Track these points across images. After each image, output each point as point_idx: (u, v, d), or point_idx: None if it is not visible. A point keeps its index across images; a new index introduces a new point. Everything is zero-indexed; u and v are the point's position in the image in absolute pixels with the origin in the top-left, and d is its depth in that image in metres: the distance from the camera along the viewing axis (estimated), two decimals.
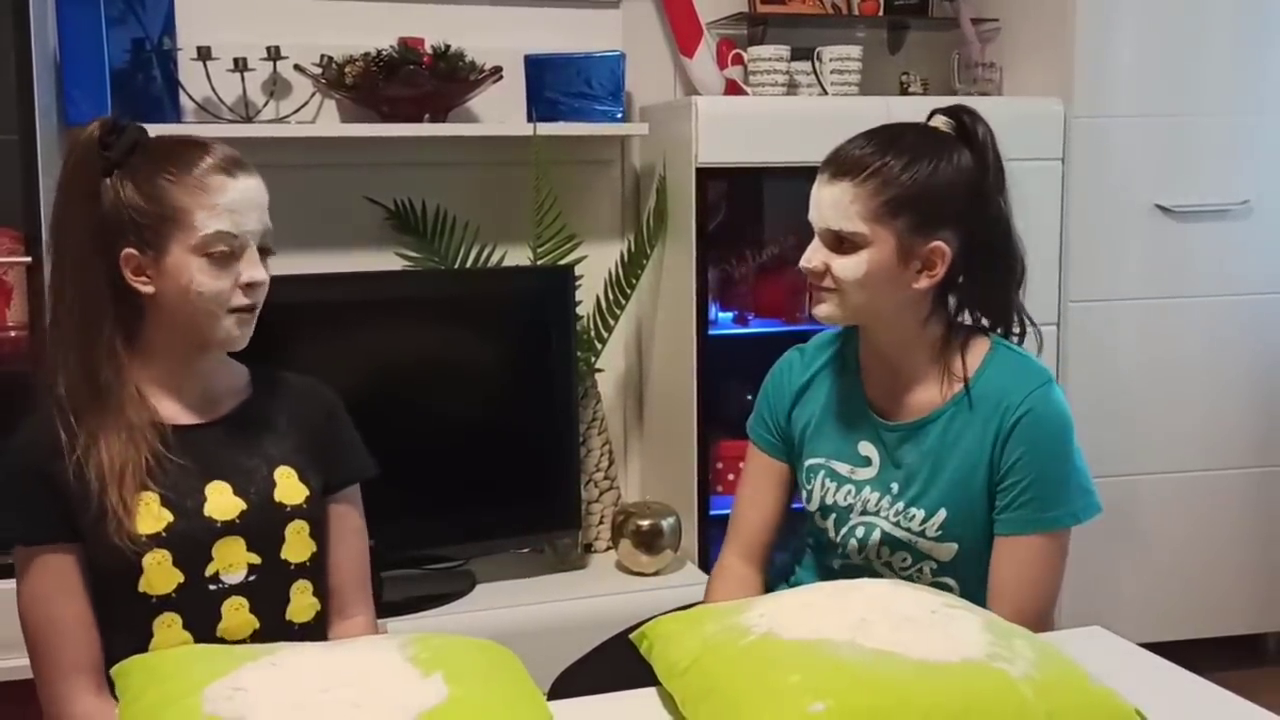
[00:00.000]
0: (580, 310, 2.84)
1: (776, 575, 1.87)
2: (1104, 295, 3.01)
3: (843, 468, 1.72)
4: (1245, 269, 3.06)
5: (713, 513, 2.91)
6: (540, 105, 2.86)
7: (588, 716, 1.37)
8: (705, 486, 2.90)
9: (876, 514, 1.70)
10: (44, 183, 2.40)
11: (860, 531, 1.71)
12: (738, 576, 1.79)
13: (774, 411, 1.81)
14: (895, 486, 1.68)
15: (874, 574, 1.71)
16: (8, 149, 2.38)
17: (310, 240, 2.78)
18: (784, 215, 3.13)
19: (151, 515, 1.44)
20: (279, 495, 1.53)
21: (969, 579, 1.67)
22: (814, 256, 1.65)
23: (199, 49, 2.66)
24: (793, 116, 2.87)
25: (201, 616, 1.47)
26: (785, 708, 1.16)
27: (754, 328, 3.01)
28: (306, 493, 1.56)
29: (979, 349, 1.68)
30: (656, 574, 2.82)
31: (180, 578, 1.45)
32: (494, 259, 2.93)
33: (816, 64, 3.01)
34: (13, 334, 2.51)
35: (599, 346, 2.93)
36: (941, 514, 1.65)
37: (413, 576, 2.69)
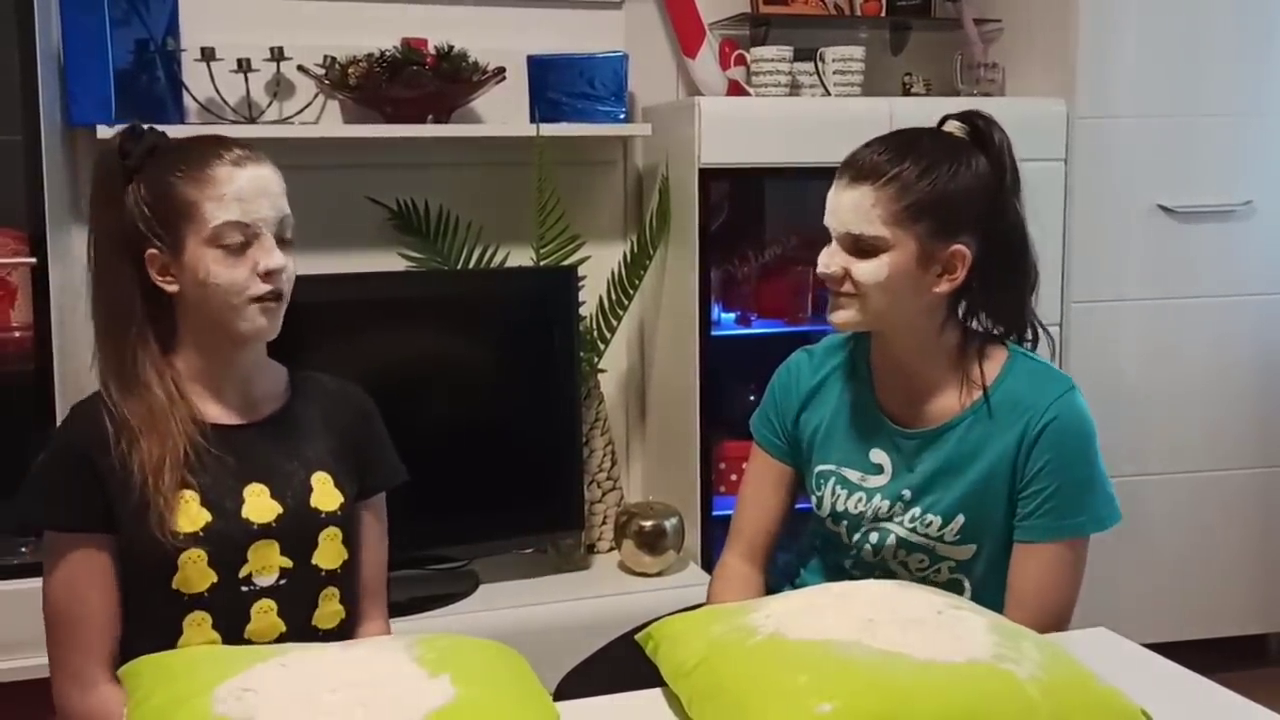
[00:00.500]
0: (583, 311, 2.84)
1: (780, 576, 1.87)
2: (1106, 296, 3.01)
3: (854, 475, 1.72)
4: (1248, 269, 3.06)
5: (715, 513, 2.91)
6: (543, 106, 2.86)
7: (594, 717, 1.37)
8: (708, 487, 2.90)
9: (890, 520, 1.69)
10: (48, 184, 2.40)
11: (874, 537, 1.71)
12: (740, 576, 1.79)
13: (781, 414, 1.80)
14: (908, 494, 1.68)
15: (887, 572, 1.71)
16: (12, 150, 2.39)
17: (313, 241, 2.74)
18: (786, 216, 3.13)
19: (190, 514, 1.45)
20: (315, 501, 1.54)
21: (984, 578, 1.68)
22: (832, 261, 1.62)
23: (202, 50, 2.66)
24: (795, 117, 2.87)
25: (231, 617, 1.47)
26: (793, 708, 1.16)
27: (756, 328, 3.01)
28: (341, 499, 1.57)
29: (997, 357, 1.68)
30: (659, 575, 2.82)
31: (214, 577, 1.46)
32: (496, 259, 2.93)
33: (819, 65, 3.01)
34: (17, 334, 2.51)
35: (601, 347, 2.93)
36: (959, 520, 1.65)
37: (416, 577, 2.68)
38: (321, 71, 2.76)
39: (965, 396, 1.66)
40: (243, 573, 1.48)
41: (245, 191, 1.47)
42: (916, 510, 1.67)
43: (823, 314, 2.94)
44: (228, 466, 1.49)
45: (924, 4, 3.17)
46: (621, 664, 1.57)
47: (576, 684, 1.71)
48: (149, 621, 1.46)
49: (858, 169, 1.61)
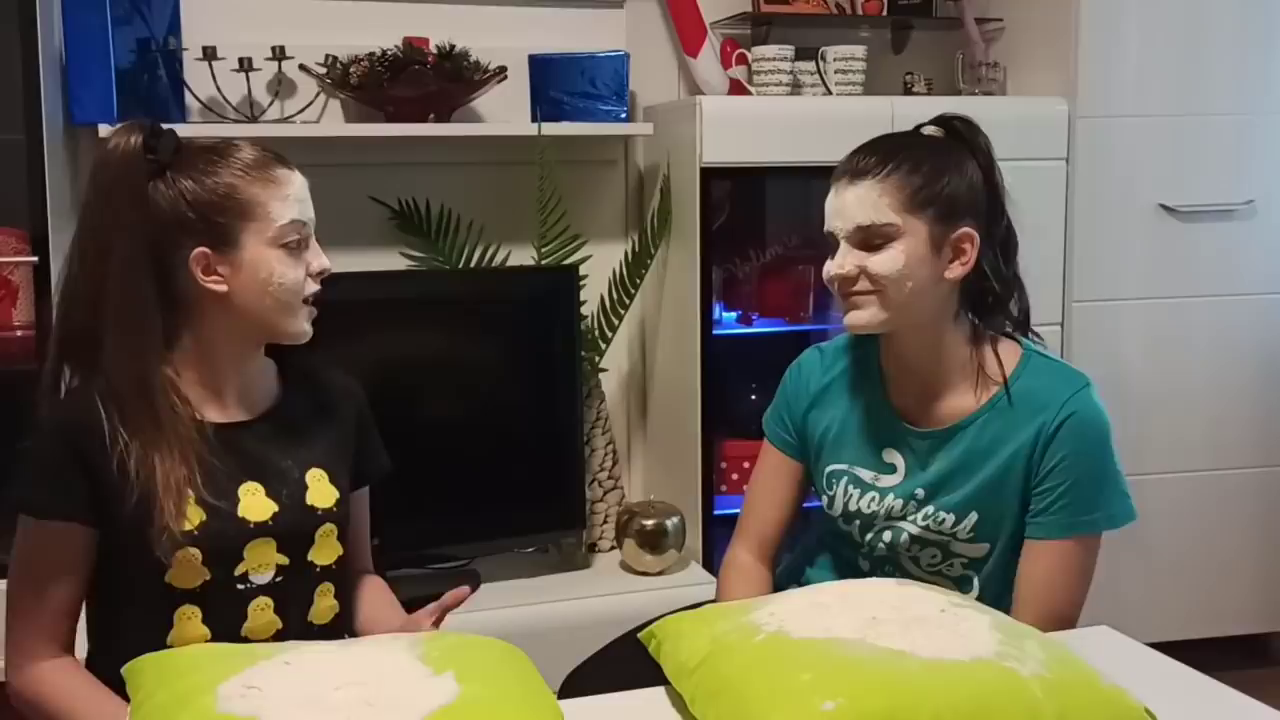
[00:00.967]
0: (584, 310, 2.84)
1: (785, 575, 1.87)
2: (1108, 295, 3.01)
3: (867, 474, 1.72)
4: (1249, 269, 3.06)
5: (717, 512, 2.91)
6: (544, 105, 2.86)
7: (598, 715, 1.37)
8: (709, 486, 2.90)
9: (903, 519, 1.69)
10: (50, 183, 2.40)
11: (888, 536, 1.71)
12: (749, 570, 1.80)
13: (791, 410, 1.80)
14: (921, 492, 1.68)
15: (899, 567, 1.72)
16: (14, 149, 2.39)
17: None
18: (788, 215, 3.13)
19: (186, 513, 1.44)
20: (311, 498, 1.54)
21: (990, 577, 1.68)
22: (845, 261, 1.61)
23: (204, 49, 2.66)
24: (796, 116, 2.87)
25: (228, 615, 1.47)
26: (796, 706, 1.16)
27: (758, 327, 3.01)
28: (336, 495, 1.57)
29: (1012, 352, 1.68)
30: (660, 574, 2.82)
31: (207, 575, 1.45)
32: (498, 259, 2.93)
33: (820, 64, 3.01)
34: (19, 333, 2.52)
35: (603, 346, 2.93)
36: (972, 517, 1.65)
37: (417, 576, 2.68)
38: (323, 71, 2.76)
39: (982, 393, 1.66)
40: (239, 570, 1.47)
41: (301, 192, 1.50)
42: (930, 508, 1.67)
43: (824, 313, 2.98)
44: (223, 465, 1.47)
45: (925, 3, 3.17)
46: (624, 662, 1.57)
47: (580, 682, 1.71)
48: (138, 612, 1.46)
49: (855, 169, 1.62)
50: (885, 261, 1.59)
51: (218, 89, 2.71)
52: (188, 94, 2.72)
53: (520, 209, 2.89)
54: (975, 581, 1.69)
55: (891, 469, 1.70)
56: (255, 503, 1.49)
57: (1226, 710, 1.38)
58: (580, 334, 2.80)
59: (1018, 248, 1.70)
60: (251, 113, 2.74)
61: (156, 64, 2.66)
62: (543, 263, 2.83)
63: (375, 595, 1.68)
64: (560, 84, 2.87)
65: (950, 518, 1.66)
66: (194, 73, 2.70)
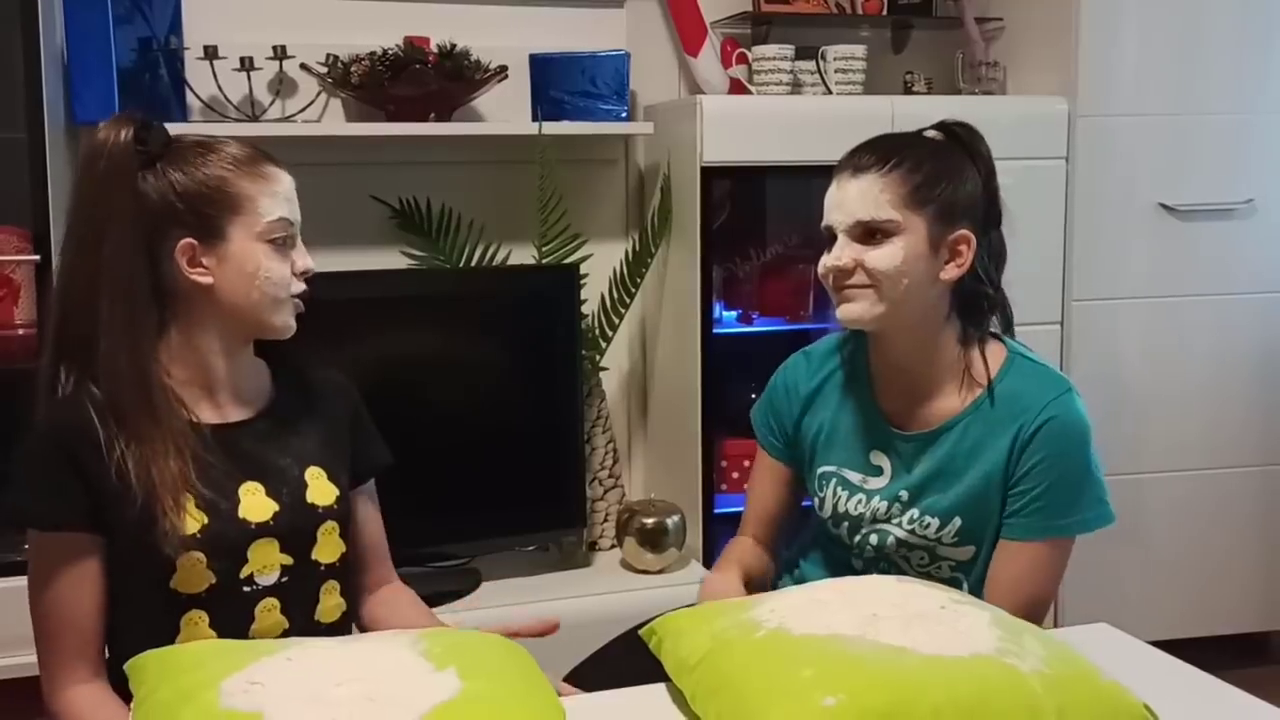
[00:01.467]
0: (585, 309, 2.85)
1: (782, 571, 1.88)
2: (1108, 294, 3.01)
3: (854, 476, 1.72)
4: (1249, 268, 3.06)
5: (717, 511, 2.91)
6: (545, 104, 2.86)
7: (599, 712, 1.37)
8: (709, 484, 2.91)
9: (889, 521, 1.70)
10: (52, 181, 2.41)
11: (874, 539, 1.72)
12: (749, 548, 1.83)
13: (781, 417, 1.81)
14: (905, 495, 1.68)
15: (889, 567, 1.72)
16: (16, 148, 2.39)
17: (315, 239, 2.69)
18: (788, 214, 3.13)
19: (188, 517, 1.43)
20: (311, 496, 1.54)
21: (983, 579, 1.68)
22: (842, 254, 1.61)
23: (205, 48, 2.66)
24: (797, 116, 2.88)
25: (235, 618, 1.46)
26: (797, 702, 1.17)
27: (758, 326, 3.02)
28: (336, 492, 1.56)
29: (996, 355, 1.68)
30: (661, 572, 2.82)
31: (212, 578, 1.44)
32: (499, 258, 2.93)
33: (820, 63, 3.01)
34: (20, 332, 2.52)
35: (603, 345, 2.94)
36: (957, 522, 1.66)
37: (418, 574, 2.68)
38: (324, 70, 2.76)
39: (967, 394, 1.66)
40: (244, 573, 1.47)
41: (290, 191, 1.51)
42: (914, 511, 1.68)
43: (824, 312, 2.99)
44: (221, 467, 1.47)
45: (925, 3, 3.17)
46: (625, 659, 1.57)
47: (581, 679, 1.71)
48: (145, 619, 1.44)
49: (858, 164, 1.62)
50: (883, 256, 1.59)
51: (219, 88, 2.71)
52: (189, 93, 2.72)
53: (521, 208, 2.89)
54: (965, 584, 1.69)
55: (879, 471, 1.71)
56: (256, 503, 1.48)
57: (1225, 707, 1.38)
58: (581, 333, 2.81)
59: (1006, 261, 1.71)
60: (253, 112, 2.74)
61: (158, 63, 2.66)
62: (543, 262, 2.83)
63: (409, 612, 1.67)
64: (561, 83, 2.87)
65: (935, 522, 1.67)
66: (195, 72, 2.71)
